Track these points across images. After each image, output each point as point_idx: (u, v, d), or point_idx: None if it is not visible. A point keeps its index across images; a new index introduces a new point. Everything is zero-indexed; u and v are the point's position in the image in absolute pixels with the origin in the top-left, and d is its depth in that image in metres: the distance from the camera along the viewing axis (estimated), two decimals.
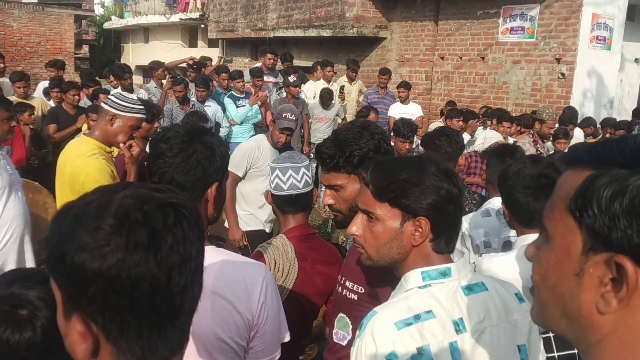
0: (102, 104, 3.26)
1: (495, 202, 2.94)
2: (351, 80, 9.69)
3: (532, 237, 2.07)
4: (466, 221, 2.85)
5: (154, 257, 0.78)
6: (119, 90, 7.57)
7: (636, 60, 11.12)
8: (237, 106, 7.70)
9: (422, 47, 11.13)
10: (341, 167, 1.86)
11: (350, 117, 8.96)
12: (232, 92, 7.95)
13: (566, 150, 5.79)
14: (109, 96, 3.30)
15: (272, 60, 8.86)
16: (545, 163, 2.22)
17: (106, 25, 24.22)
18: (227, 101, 7.80)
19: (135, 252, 0.76)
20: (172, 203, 0.83)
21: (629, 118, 9.70)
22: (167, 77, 8.32)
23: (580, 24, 8.63)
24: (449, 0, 10.46)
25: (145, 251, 0.77)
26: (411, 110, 8.92)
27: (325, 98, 8.30)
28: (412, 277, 1.40)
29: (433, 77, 11.03)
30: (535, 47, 9.21)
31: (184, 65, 9.45)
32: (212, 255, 1.53)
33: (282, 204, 2.32)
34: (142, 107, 3.29)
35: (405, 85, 8.94)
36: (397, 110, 8.88)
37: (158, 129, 7.06)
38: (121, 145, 3.21)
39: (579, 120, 7.66)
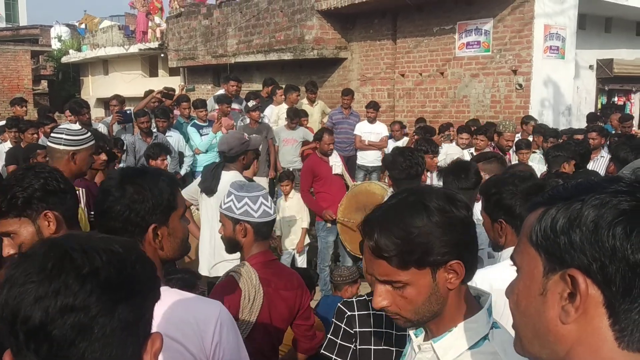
0: (54, 145, 3.11)
1: None
2: (311, 102, 9.73)
3: None
4: None
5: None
6: (66, 125, 7.46)
7: (590, 67, 11.48)
8: (201, 134, 7.64)
9: (382, 65, 11.27)
10: (7, 212, 1.76)
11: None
12: (195, 121, 7.89)
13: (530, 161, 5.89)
14: (57, 135, 3.14)
15: (235, 87, 8.84)
16: (531, 177, 2.33)
17: (64, 60, 23.87)
18: (191, 130, 7.73)
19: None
20: (71, 248, 0.81)
21: (585, 124, 9.98)
22: (127, 110, 8.22)
23: (534, 36, 8.87)
24: (406, 19, 10.64)
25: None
26: (377, 130, 9.02)
27: (292, 114, 8.30)
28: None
29: (395, 95, 11.16)
30: (491, 60, 9.42)
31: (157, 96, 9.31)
32: (163, 295, 1.49)
33: (262, 227, 2.37)
34: (89, 134, 3.25)
35: (374, 106, 9.04)
36: (364, 129, 8.96)
37: (122, 161, 7.06)
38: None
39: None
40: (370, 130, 8.95)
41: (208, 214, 4.48)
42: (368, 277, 1.33)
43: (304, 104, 9.79)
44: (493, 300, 2.13)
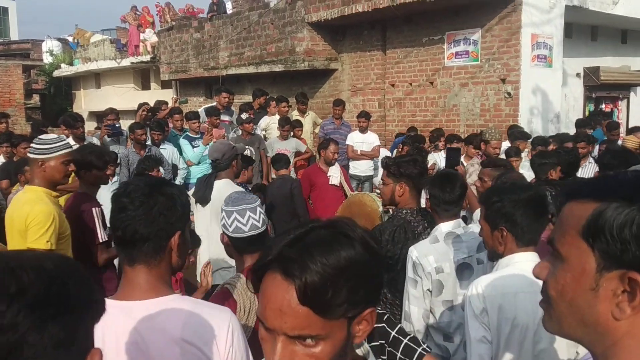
0: (29, 154, 3.35)
1: (442, 228, 3.01)
2: (302, 113, 9.82)
3: (520, 255, 2.24)
4: (416, 250, 2.92)
5: None
6: (70, 140, 7.50)
7: (578, 75, 11.64)
8: (193, 146, 7.70)
9: (372, 76, 11.38)
10: None
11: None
12: (188, 132, 7.95)
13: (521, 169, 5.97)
14: (31, 145, 3.35)
15: (227, 99, 8.92)
16: (530, 187, 2.42)
17: (56, 74, 23.88)
18: (183, 142, 7.79)
19: None
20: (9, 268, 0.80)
21: (575, 131, 10.10)
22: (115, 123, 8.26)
23: (521, 45, 9.00)
24: (395, 30, 10.77)
25: None
26: (369, 139, 9.09)
27: (284, 122, 8.38)
28: None
29: (386, 105, 11.27)
30: (480, 70, 9.54)
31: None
32: (178, 303, 1.58)
33: (243, 244, 2.36)
34: (63, 142, 3.35)
35: (365, 116, 9.11)
36: (356, 139, 9.03)
37: (116, 174, 7.09)
38: None
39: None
40: (362, 140, 9.02)
41: (204, 223, 4.54)
42: (263, 332, 1.02)
43: (295, 115, 9.87)
44: (502, 304, 2.22)
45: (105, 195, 3.93)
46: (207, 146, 7.53)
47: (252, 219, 2.35)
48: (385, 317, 2.27)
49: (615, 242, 0.84)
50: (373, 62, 11.32)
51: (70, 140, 7.47)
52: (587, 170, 6.48)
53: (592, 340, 0.91)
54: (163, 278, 1.62)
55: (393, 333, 2.20)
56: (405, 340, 2.20)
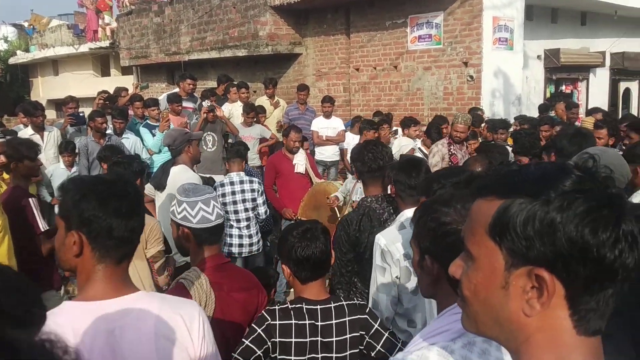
0: None
1: (408, 214, 3.01)
2: (271, 98, 9.73)
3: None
4: (384, 237, 2.91)
5: None
6: (29, 129, 7.27)
7: (538, 57, 11.80)
8: (154, 135, 7.54)
9: (337, 60, 11.33)
10: None
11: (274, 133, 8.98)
12: (148, 120, 7.78)
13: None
14: None
15: (191, 86, 8.75)
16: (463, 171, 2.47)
17: (11, 61, 23.11)
18: (143, 131, 7.63)
19: None
20: None
21: (537, 112, 10.27)
22: (77, 112, 8.05)
23: (483, 28, 9.07)
24: (358, 14, 10.72)
25: None
26: (334, 124, 9.06)
27: (248, 109, 8.29)
28: None
29: (351, 89, 11.25)
30: (443, 53, 9.58)
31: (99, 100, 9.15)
32: (146, 300, 1.57)
33: (206, 234, 2.34)
34: None
35: (329, 101, 9.06)
36: (320, 125, 8.99)
37: (75, 164, 6.91)
38: None
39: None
40: (326, 126, 8.99)
41: (164, 208, 4.51)
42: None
43: (264, 100, 9.78)
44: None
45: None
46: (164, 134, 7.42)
47: (216, 208, 2.37)
48: (367, 309, 2.30)
49: (520, 239, 0.84)
50: (337, 47, 11.26)
51: (29, 130, 7.28)
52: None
53: (507, 338, 0.91)
54: (127, 276, 1.59)
55: (376, 326, 2.23)
56: (387, 335, 2.27)
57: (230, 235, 5.45)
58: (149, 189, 4.88)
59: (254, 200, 5.45)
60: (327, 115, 9.01)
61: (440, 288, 1.53)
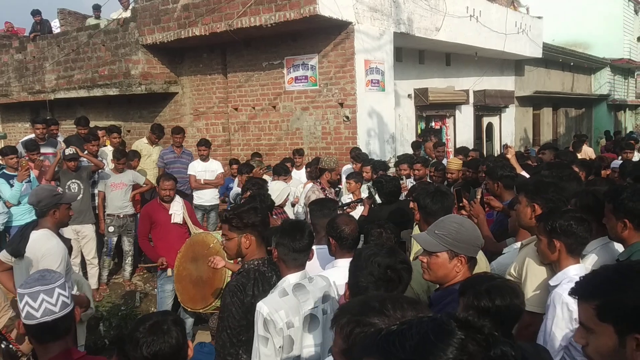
0: None
1: (291, 279, 2.93)
2: (152, 143, 9.35)
3: None
4: (266, 305, 2.78)
5: None
6: None
7: (409, 95, 12.41)
8: (11, 185, 6.90)
9: (214, 99, 11.16)
10: None
11: (152, 179, 8.57)
12: (4, 170, 7.11)
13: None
14: None
15: (40, 131, 8.06)
16: (399, 256, 2.37)
17: None
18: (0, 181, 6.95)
19: None
20: None
21: (409, 149, 10.74)
22: None
23: (356, 71, 9.35)
24: (234, 54, 10.66)
25: None
26: (212, 167, 8.85)
27: (119, 155, 7.86)
28: None
29: (230, 128, 11.09)
30: (319, 94, 9.76)
31: None
32: None
33: (37, 333, 2.09)
34: None
35: (205, 144, 8.85)
36: (198, 168, 8.74)
37: None
38: None
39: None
40: (204, 169, 8.77)
41: (22, 279, 4.03)
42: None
43: (143, 142, 9.36)
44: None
45: None
46: (24, 183, 6.82)
47: (45, 303, 2.08)
48: None
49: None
50: (215, 86, 11.10)
51: None
52: None
53: None
54: None
55: None
56: None
57: None
58: (4, 255, 4.38)
59: None
60: (204, 159, 8.79)
61: None
